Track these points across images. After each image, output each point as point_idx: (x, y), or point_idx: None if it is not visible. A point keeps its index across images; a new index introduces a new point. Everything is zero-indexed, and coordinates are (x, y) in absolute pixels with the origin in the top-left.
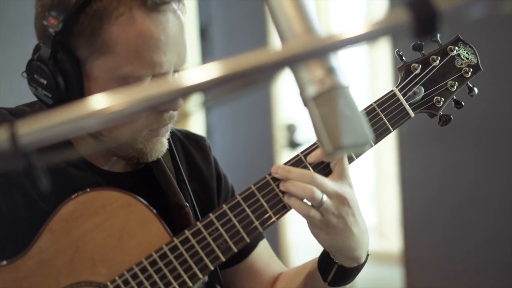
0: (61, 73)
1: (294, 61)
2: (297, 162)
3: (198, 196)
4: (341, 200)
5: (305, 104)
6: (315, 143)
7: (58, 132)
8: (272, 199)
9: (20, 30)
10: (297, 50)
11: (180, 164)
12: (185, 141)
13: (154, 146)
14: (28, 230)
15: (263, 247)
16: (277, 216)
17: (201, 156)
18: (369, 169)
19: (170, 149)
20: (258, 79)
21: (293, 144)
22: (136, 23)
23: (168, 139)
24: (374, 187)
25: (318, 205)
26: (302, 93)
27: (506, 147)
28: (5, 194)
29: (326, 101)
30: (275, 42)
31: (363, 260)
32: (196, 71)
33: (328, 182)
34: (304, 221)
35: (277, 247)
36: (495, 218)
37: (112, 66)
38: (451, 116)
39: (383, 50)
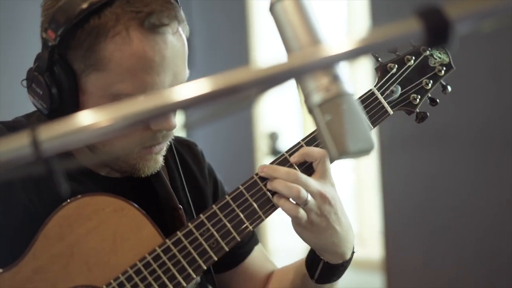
0: (56, 85)
1: (302, 72)
2: (282, 161)
3: (193, 200)
4: (323, 199)
5: (310, 111)
6: (299, 143)
7: (79, 137)
8: (260, 198)
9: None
10: (305, 60)
11: (177, 168)
12: (177, 146)
13: (147, 163)
14: (23, 239)
15: (258, 250)
16: (265, 215)
17: (194, 161)
18: (349, 176)
19: (165, 155)
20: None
21: (275, 152)
22: (131, 43)
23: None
24: (354, 194)
25: (303, 204)
26: (307, 100)
27: (487, 153)
28: (3, 204)
29: (331, 108)
30: (257, 52)
31: (348, 257)
32: (196, 84)
33: (311, 181)
34: (282, 227)
35: None
36: (475, 225)
37: (105, 83)
38: (427, 113)
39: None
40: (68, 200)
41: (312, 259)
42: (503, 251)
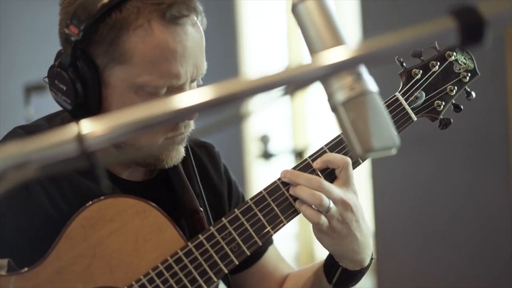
0: (80, 80)
1: (327, 72)
2: (304, 166)
3: (210, 203)
4: (346, 206)
5: (334, 109)
6: (322, 148)
7: (122, 132)
8: (282, 203)
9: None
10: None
11: (194, 170)
12: (195, 148)
13: (170, 154)
14: (44, 240)
15: (273, 251)
16: (287, 220)
17: (212, 163)
18: None
19: (184, 157)
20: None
21: (266, 155)
22: (153, 35)
23: (186, 147)
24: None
25: (325, 211)
26: (330, 99)
27: (479, 155)
28: (23, 207)
29: (355, 106)
30: (246, 56)
31: (366, 264)
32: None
33: (334, 189)
34: (282, 234)
35: None
36: (468, 227)
37: (129, 76)
38: (451, 120)
39: None
40: (91, 202)
41: (330, 265)
42: (496, 253)
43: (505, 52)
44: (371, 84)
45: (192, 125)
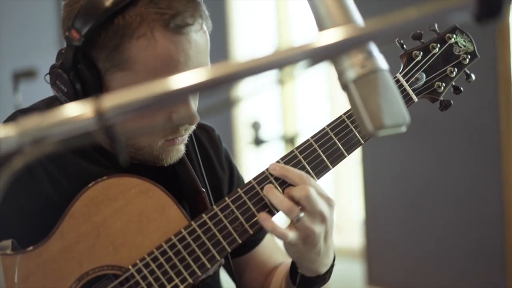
0: (80, 83)
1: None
2: (292, 158)
3: (210, 184)
4: (323, 219)
5: (345, 87)
6: (323, 129)
7: (140, 106)
8: (283, 183)
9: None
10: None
11: (195, 152)
12: (196, 130)
13: (170, 154)
14: (46, 221)
15: (269, 239)
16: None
17: (212, 146)
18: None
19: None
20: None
21: (257, 142)
22: (156, 44)
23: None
24: (332, 183)
25: (295, 221)
26: (341, 77)
27: (469, 143)
28: (25, 189)
29: (366, 84)
30: (236, 45)
31: (322, 272)
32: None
33: (320, 199)
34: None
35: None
36: (457, 214)
37: (130, 82)
38: (451, 102)
39: None
40: (95, 181)
41: (292, 268)
42: (485, 240)
43: (495, 41)
44: (382, 62)
45: (192, 128)
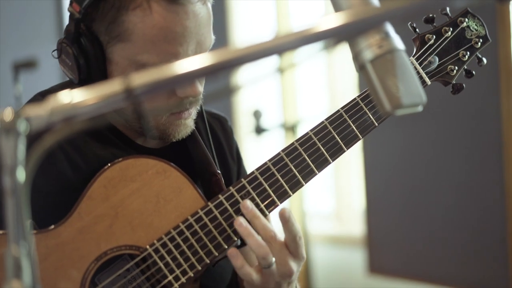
0: (83, 56)
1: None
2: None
3: (221, 171)
4: (289, 272)
5: (361, 68)
6: (338, 111)
7: (166, 84)
8: (300, 163)
9: None
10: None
11: (208, 140)
12: (209, 119)
13: (177, 128)
14: (63, 205)
15: None
16: (305, 180)
17: (224, 136)
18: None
19: (198, 127)
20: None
21: (258, 130)
22: (152, 15)
23: (202, 116)
24: (333, 171)
25: (265, 267)
26: (357, 58)
27: (466, 132)
28: (42, 169)
29: (383, 64)
30: (235, 32)
31: None
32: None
33: (287, 253)
34: (316, 189)
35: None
36: (455, 202)
37: (130, 53)
38: (464, 85)
39: (341, 52)
40: (113, 162)
41: None
42: (486, 227)
43: (496, 26)
44: (399, 42)
45: (198, 101)
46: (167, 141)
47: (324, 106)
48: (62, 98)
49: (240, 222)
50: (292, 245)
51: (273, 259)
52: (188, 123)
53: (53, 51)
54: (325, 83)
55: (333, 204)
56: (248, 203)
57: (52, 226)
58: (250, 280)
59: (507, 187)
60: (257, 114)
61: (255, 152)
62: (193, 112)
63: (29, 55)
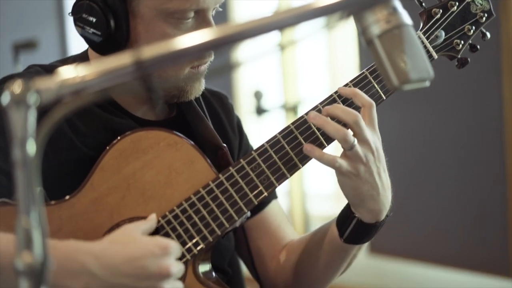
0: (110, 10)
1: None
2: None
3: None
4: (370, 148)
5: (369, 43)
6: (347, 84)
7: (176, 57)
8: (310, 136)
9: None
10: None
11: (207, 117)
12: (209, 97)
13: (194, 84)
14: (73, 173)
15: (277, 206)
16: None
17: (225, 112)
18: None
19: (198, 102)
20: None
21: (259, 111)
22: None
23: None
24: (334, 152)
25: (348, 149)
26: (364, 33)
27: (467, 109)
28: (51, 141)
29: (391, 39)
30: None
31: (382, 217)
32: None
33: (366, 129)
34: (316, 170)
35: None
36: (456, 181)
37: (157, 3)
38: (469, 59)
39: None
40: (124, 134)
41: (345, 216)
42: (487, 205)
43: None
44: (406, 17)
45: (212, 57)
46: (182, 100)
47: (325, 87)
48: (72, 71)
49: (314, 114)
50: (367, 114)
51: (354, 139)
52: (202, 81)
53: (69, 13)
54: (326, 64)
55: (333, 185)
56: (313, 113)
57: (67, 197)
58: (338, 167)
59: (508, 168)
60: (258, 95)
61: (256, 133)
62: (206, 69)
63: (29, 35)
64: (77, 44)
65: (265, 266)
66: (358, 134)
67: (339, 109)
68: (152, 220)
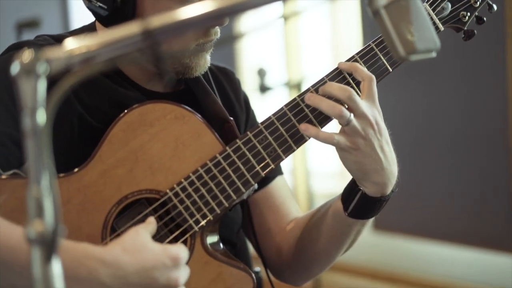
0: None
1: None
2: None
3: None
4: (368, 122)
5: (375, 14)
6: (353, 57)
7: (184, 26)
8: (316, 108)
9: None
10: None
11: (215, 93)
12: (217, 72)
13: (199, 61)
14: (80, 146)
15: (282, 182)
16: (321, 126)
17: (232, 88)
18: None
19: (206, 77)
20: None
21: (263, 88)
22: None
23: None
24: (336, 129)
25: (345, 124)
26: (371, 3)
27: (469, 85)
28: (59, 113)
29: (398, 9)
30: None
31: (388, 191)
32: None
33: (362, 102)
34: (320, 148)
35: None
36: (460, 158)
37: None
38: (475, 31)
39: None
40: (132, 107)
41: (350, 190)
42: (491, 181)
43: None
44: None
45: (219, 32)
46: (186, 76)
47: (328, 64)
48: (81, 41)
49: (308, 95)
50: (366, 88)
51: (350, 114)
52: (207, 58)
53: None
54: (329, 41)
55: (337, 163)
56: (308, 95)
57: (76, 169)
58: (336, 143)
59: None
60: (261, 73)
61: (260, 110)
62: (212, 46)
63: (32, 14)
64: (80, 23)
65: (268, 241)
66: (354, 109)
67: (332, 86)
68: (153, 223)
